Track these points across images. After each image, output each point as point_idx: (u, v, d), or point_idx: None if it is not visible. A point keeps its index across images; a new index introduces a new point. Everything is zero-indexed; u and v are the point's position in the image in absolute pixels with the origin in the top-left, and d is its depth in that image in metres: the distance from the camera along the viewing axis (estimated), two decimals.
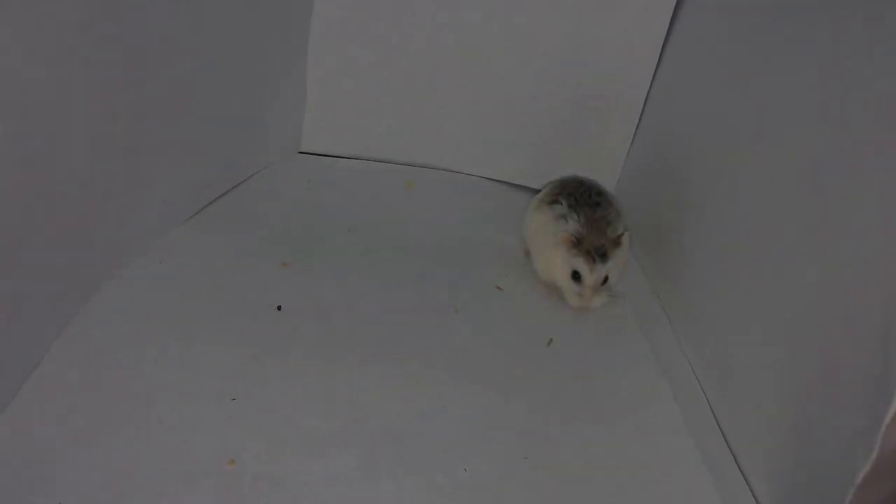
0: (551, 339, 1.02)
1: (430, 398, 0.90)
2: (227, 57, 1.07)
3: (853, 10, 0.80)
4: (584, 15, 1.20)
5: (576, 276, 1.04)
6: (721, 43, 1.06)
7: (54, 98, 0.78)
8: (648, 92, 1.25)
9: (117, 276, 0.97)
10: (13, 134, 0.74)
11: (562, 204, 1.08)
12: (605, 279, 1.05)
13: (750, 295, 0.90)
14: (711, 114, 1.05)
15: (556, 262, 1.06)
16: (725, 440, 0.90)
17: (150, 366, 0.87)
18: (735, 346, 0.92)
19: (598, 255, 1.02)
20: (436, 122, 1.28)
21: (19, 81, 0.73)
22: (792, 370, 0.80)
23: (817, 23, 0.86)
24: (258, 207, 1.17)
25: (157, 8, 0.89)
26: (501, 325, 1.04)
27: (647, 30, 1.20)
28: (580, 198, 1.07)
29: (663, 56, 1.22)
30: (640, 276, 1.18)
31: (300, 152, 1.33)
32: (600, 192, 1.10)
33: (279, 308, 0.98)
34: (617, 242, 1.04)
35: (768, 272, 0.87)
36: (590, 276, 1.03)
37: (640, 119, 1.27)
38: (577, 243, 1.03)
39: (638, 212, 1.23)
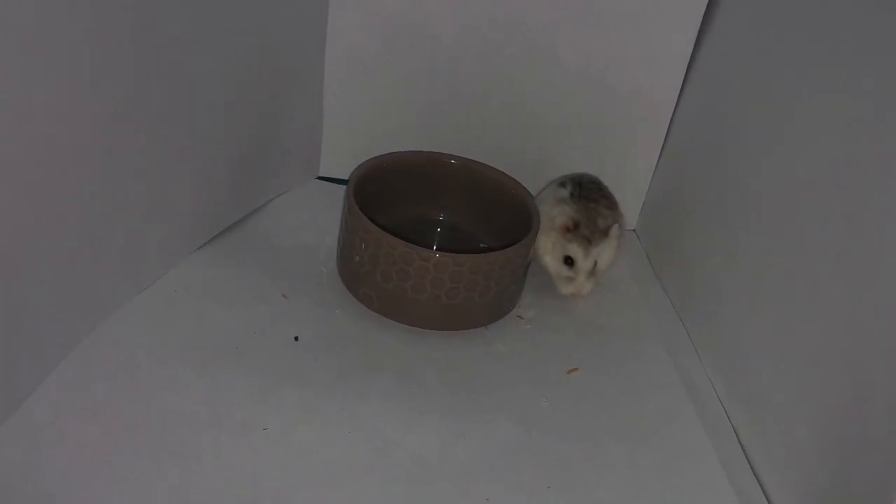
0: (575, 367, 1.04)
1: (452, 428, 0.92)
2: (243, 82, 1.08)
3: (882, 24, 0.82)
4: (610, 33, 1.21)
5: (568, 261, 1.11)
6: (748, 60, 1.07)
7: (63, 122, 0.79)
8: (674, 111, 1.27)
9: (132, 303, 0.99)
10: (20, 155, 0.74)
11: (566, 188, 1.15)
12: (594, 265, 1.12)
13: (776, 317, 0.92)
14: (738, 132, 1.07)
15: (548, 246, 1.13)
16: (750, 465, 0.92)
17: (164, 394, 0.89)
18: (761, 369, 0.94)
19: (590, 241, 1.10)
20: (458, 143, 1.28)
21: (27, 99, 0.73)
22: (820, 393, 0.82)
23: (846, 37, 0.87)
24: (275, 234, 1.18)
25: (170, 27, 0.90)
26: (523, 354, 1.06)
27: (673, 48, 1.22)
28: (585, 189, 1.15)
29: (689, 74, 1.23)
30: (665, 300, 1.20)
31: (318, 178, 1.35)
32: (606, 197, 1.17)
33: (296, 339, 1.01)
34: (605, 233, 1.10)
35: (795, 294, 0.89)
36: (583, 261, 1.10)
37: (665, 138, 1.29)
38: (573, 229, 1.09)
39: (663, 233, 1.25)
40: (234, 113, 1.08)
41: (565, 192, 1.15)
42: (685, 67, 1.23)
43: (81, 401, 0.86)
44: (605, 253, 1.12)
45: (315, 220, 1.23)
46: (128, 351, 0.92)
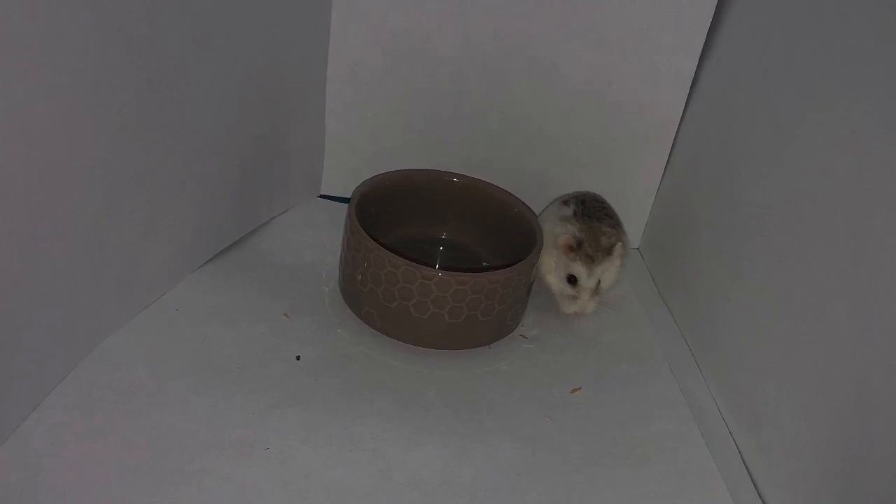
0: (578, 387, 1.05)
1: (454, 448, 0.93)
2: (244, 99, 1.09)
3: (886, 39, 0.82)
4: (613, 49, 1.22)
5: (571, 279, 1.12)
6: (752, 77, 1.08)
7: (63, 139, 0.79)
8: (678, 128, 1.28)
9: (132, 322, 1.00)
10: (19, 172, 0.74)
11: (569, 206, 1.16)
12: (597, 284, 1.12)
13: (781, 337, 0.93)
14: (743, 150, 1.08)
15: (551, 265, 1.13)
16: (755, 486, 0.93)
17: (165, 414, 0.89)
18: (766, 389, 0.94)
19: (593, 259, 1.10)
20: (461, 160, 1.29)
21: (26, 115, 0.73)
22: (825, 413, 0.82)
23: (850, 53, 0.88)
24: (276, 253, 1.19)
25: (171, 43, 0.90)
26: (526, 373, 1.07)
27: (677, 64, 1.23)
28: (588, 208, 1.16)
29: (694, 90, 1.24)
30: (669, 319, 1.22)
31: (320, 196, 1.35)
32: (610, 215, 1.18)
33: (298, 358, 1.01)
34: (608, 252, 1.11)
35: (799, 314, 0.90)
36: (587, 280, 1.11)
37: (669, 156, 1.30)
38: (576, 248, 1.10)
39: (667, 252, 1.26)
40: (235, 130, 1.09)
41: (568, 211, 1.15)
42: (689, 84, 1.24)
43: (81, 421, 0.86)
44: (608, 272, 1.13)
45: (317, 239, 1.23)
46: (128, 371, 0.93)
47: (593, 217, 1.14)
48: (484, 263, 1.23)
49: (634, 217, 1.35)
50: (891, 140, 0.79)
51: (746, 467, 0.95)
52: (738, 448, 0.98)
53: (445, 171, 1.24)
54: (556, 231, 1.13)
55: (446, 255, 1.25)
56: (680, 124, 1.27)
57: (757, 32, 1.09)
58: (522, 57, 1.24)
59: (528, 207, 1.20)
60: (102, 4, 0.78)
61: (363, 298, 1.07)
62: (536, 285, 1.14)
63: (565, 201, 1.18)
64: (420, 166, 1.26)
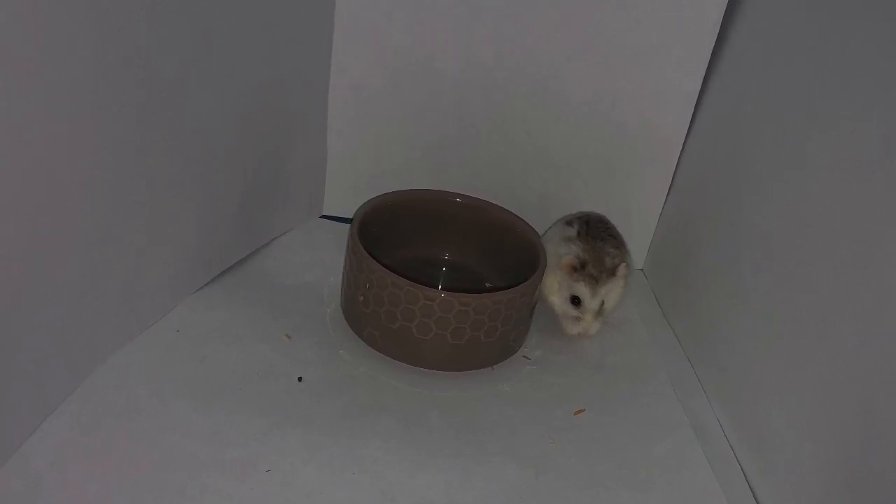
0: (582, 409, 1.06)
1: (457, 470, 0.94)
2: (246, 118, 1.09)
3: (892, 60, 0.83)
4: (617, 69, 1.23)
5: (574, 300, 1.12)
6: (757, 97, 1.10)
7: (62, 159, 0.79)
8: (683, 148, 1.29)
9: (133, 343, 1.01)
10: (19, 192, 0.75)
11: (573, 227, 1.17)
12: (601, 305, 1.13)
13: (786, 357, 0.93)
14: (747, 170, 1.09)
15: (555, 286, 1.14)
16: None
17: (166, 436, 0.90)
18: (770, 410, 0.95)
19: (597, 280, 1.11)
20: (464, 180, 1.30)
21: (27, 135, 0.73)
22: (830, 434, 0.83)
23: (856, 74, 0.89)
24: (278, 274, 1.20)
25: (171, 63, 0.91)
26: (529, 395, 1.08)
27: (682, 84, 1.24)
28: (592, 228, 1.16)
29: (698, 110, 1.25)
30: (673, 340, 1.22)
31: (322, 216, 1.37)
32: (614, 236, 1.19)
33: (300, 379, 1.02)
34: (612, 272, 1.12)
35: (804, 334, 0.90)
36: (590, 301, 1.11)
37: (674, 176, 1.31)
38: (580, 268, 1.11)
39: (671, 273, 1.27)
40: (237, 150, 1.10)
41: (572, 231, 1.16)
42: (694, 104, 1.25)
43: (83, 442, 0.87)
44: (612, 292, 1.14)
45: (319, 260, 1.24)
46: (129, 392, 0.94)
47: (597, 237, 1.15)
48: (487, 284, 1.24)
49: (638, 237, 1.36)
50: None
51: (750, 487, 0.96)
52: (741, 468, 0.99)
53: (448, 192, 1.25)
54: (560, 251, 1.14)
55: (449, 275, 1.26)
56: (684, 144, 1.28)
57: (761, 52, 1.10)
58: (525, 76, 1.25)
59: (532, 228, 1.21)
60: (102, 12, 0.79)
61: (365, 319, 1.08)
62: (540, 306, 1.15)
63: (569, 221, 1.19)
64: (422, 186, 1.27)
